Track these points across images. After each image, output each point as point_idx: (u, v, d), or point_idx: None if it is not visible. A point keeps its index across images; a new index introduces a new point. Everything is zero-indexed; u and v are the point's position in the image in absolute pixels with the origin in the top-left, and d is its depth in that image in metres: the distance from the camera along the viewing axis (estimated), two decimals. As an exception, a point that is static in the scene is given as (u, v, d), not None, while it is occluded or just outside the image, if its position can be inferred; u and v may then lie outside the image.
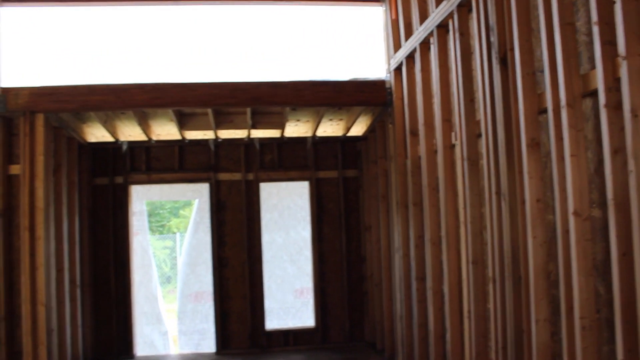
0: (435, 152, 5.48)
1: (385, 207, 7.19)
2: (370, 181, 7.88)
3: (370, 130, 7.75)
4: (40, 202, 6.21)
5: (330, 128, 7.94)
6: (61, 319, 6.76)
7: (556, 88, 3.39)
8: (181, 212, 22.51)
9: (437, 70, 5.23)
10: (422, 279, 5.86)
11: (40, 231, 6.20)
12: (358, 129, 8.02)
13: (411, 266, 6.10)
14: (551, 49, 3.42)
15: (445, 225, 5.17)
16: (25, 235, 6.14)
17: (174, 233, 20.55)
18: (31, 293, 6.12)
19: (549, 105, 3.44)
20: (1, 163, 6.20)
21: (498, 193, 4.13)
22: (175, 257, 18.23)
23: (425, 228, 5.65)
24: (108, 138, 7.86)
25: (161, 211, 22.28)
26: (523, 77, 3.72)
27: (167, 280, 18.11)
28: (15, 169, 6.31)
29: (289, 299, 8.39)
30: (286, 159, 8.36)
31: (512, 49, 3.87)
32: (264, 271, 8.17)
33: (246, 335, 8.10)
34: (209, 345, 8.23)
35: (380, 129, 7.28)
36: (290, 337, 8.19)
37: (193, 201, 8.75)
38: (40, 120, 6.30)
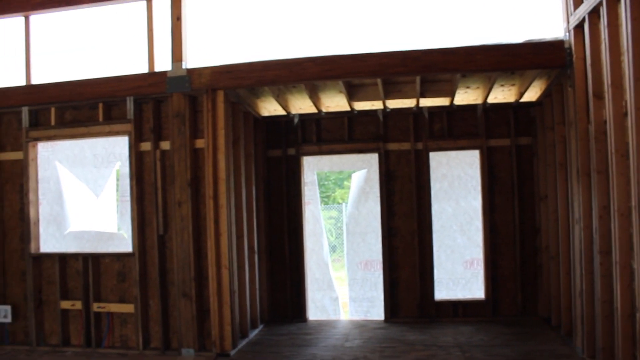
0: (625, 114, 5.02)
1: (563, 176, 6.78)
2: (545, 148, 7.46)
3: (546, 94, 7.30)
4: (222, 173, 6.69)
5: (501, 94, 7.61)
6: (241, 282, 7.26)
7: None
8: (346, 183, 23.00)
9: (630, 23, 4.75)
10: (606, 252, 5.45)
11: (222, 200, 6.68)
12: (532, 94, 7.60)
13: (594, 239, 5.70)
14: None
15: (637, 195, 4.74)
16: (210, 204, 6.65)
17: (339, 203, 21.06)
18: (216, 257, 6.65)
19: None
20: (188, 138, 6.74)
21: None
22: (340, 226, 18.70)
23: (612, 198, 5.23)
24: (280, 111, 8.22)
25: (326, 182, 22.94)
26: None
27: (332, 249, 18.64)
28: (200, 143, 6.83)
29: (459, 269, 8.26)
30: (456, 128, 8.18)
31: None
32: (434, 241, 8.12)
33: (415, 304, 8.14)
34: (378, 312, 8.39)
35: (558, 93, 6.83)
36: (460, 308, 8.09)
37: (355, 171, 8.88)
38: (220, 96, 6.75)
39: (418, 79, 6.82)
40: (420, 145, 8.17)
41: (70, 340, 7.23)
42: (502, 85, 7.22)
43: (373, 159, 8.34)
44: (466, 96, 7.68)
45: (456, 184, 8.26)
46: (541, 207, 7.78)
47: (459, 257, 8.26)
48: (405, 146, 8.21)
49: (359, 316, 8.51)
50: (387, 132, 8.29)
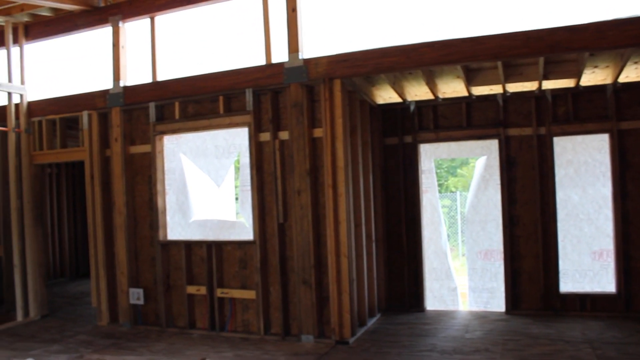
0: None
1: None
2: (688, 130, 6.86)
3: (688, 70, 6.71)
4: (340, 162, 6.71)
5: (634, 72, 7.07)
6: (359, 270, 7.27)
7: None
8: (459, 170, 22.48)
9: None
10: None
11: (341, 188, 6.71)
12: (671, 71, 7.02)
13: None
14: None
15: None
16: (329, 192, 6.70)
17: (452, 192, 20.59)
18: (335, 245, 6.70)
19: None
20: (307, 127, 6.82)
21: None
22: (454, 215, 18.27)
23: None
24: (395, 99, 8.14)
25: (438, 170, 22.52)
26: None
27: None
28: (318, 132, 6.89)
29: (586, 260, 7.80)
30: (582, 110, 7.70)
31: None
32: (558, 230, 7.72)
33: (538, 296, 7.79)
34: (498, 304, 8.12)
35: (703, 68, 6.24)
36: (588, 302, 7.64)
37: (472, 159, 8.62)
38: (337, 85, 6.76)
39: (541, 60, 6.49)
40: (543, 130, 7.78)
41: (196, 324, 7.58)
42: (635, 63, 6.70)
43: (493, 145, 8.05)
44: (593, 76, 7.22)
45: (583, 170, 7.79)
46: (682, 194, 7.17)
47: (586, 247, 7.79)
48: (527, 131, 7.85)
49: (478, 307, 8.28)
50: (507, 117, 7.96)
